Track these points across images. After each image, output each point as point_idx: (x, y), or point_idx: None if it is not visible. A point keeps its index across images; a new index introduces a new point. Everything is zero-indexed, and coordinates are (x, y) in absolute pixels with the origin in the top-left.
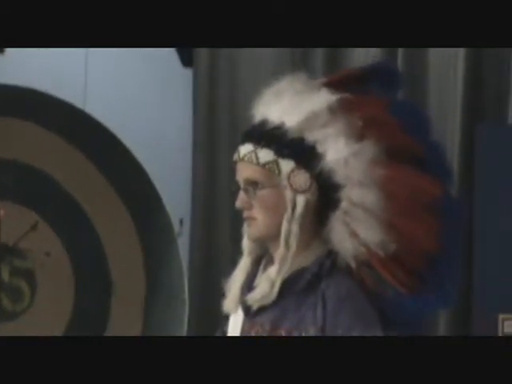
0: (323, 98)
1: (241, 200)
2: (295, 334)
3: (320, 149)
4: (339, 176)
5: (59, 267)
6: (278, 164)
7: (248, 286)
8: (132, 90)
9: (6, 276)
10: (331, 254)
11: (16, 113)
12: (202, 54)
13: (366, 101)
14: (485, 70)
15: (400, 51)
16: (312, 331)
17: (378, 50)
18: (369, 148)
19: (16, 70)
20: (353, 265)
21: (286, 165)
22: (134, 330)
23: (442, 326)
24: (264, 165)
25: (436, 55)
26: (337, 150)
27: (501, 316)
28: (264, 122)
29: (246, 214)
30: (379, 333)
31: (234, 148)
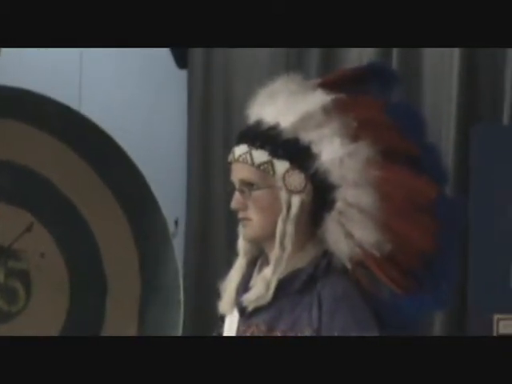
0: (318, 99)
1: (236, 201)
2: (291, 334)
3: (315, 149)
4: (334, 176)
5: (54, 268)
6: (272, 165)
7: (243, 286)
8: (127, 92)
9: (1, 277)
10: (326, 255)
11: (11, 114)
12: (197, 55)
13: (362, 101)
14: (480, 71)
15: (395, 52)
16: (307, 332)
17: (373, 51)
18: (364, 148)
19: (11, 71)
20: (348, 265)
21: (281, 165)
22: (129, 330)
23: (437, 326)
24: (259, 165)
25: (431, 56)
26: (332, 151)
27: (496, 316)
28: (259, 123)
29: (241, 214)
30: (375, 333)
31: (228, 149)
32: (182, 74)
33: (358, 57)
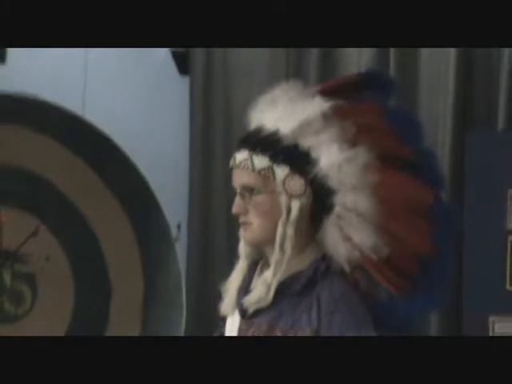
0: (317, 106)
1: (237, 205)
2: (290, 335)
3: (314, 154)
4: (333, 181)
5: (59, 271)
6: (273, 170)
7: (245, 289)
8: (130, 99)
9: (7, 280)
10: (325, 258)
11: (16, 120)
12: (198, 61)
13: (360, 108)
14: (475, 78)
15: (392, 59)
16: (307, 333)
17: (370, 58)
18: (362, 154)
19: (17, 77)
20: (347, 268)
21: (281, 170)
22: (133, 331)
23: (433, 327)
24: (259, 171)
25: (427, 63)
26: (330, 156)
27: (491, 318)
28: (259, 129)
29: (242, 219)
30: (372, 332)
31: (229, 155)
32: (185, 81)
33: (357, 60)
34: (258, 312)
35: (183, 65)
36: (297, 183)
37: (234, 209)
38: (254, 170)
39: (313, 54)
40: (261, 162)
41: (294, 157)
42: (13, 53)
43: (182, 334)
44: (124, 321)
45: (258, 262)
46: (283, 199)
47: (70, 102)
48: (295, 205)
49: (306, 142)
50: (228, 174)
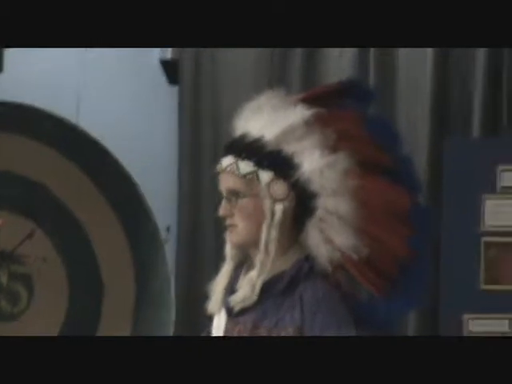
0: (299, 113)
1: (223, 208)
2: (274, 333)
3: (297, 160)
4: (315, 185)
5: (54, 272)
6: (257, 174)
7: (230, 288)
8: (121, 102)
9: (4, 280)
10: (308, 259)
11: (13, 128)
12: (187, 70)
13: (340, 115)
14: (451, 88)
15: (371, 67)
16: (290, 331)
17: (351, 59)
18: (342, 159)
19: (14, 86)
20: (328, 268)
21: (266, 175)
22: (124, 330)
23: (411, 325)
24: (244, 175)
25: (404, 66)
26: (312, 161)
27: (466, 316)
28: (244, 136)
29: (228, 221)
30: (353, 331)
31: (217, 159)
32: (174, 90)
33: (338, 61)
34: (243, 311)
35: (172, 74)
36: (281, 187)
37: (221, 212)
38: (239, 174)
39: (296, 55)
40: (246, 166)
41: (278, 162)
42: (9, 58)
43: (172, 332)
44: (116, 321)
45: (243, 263)
46: (267, 203)
47: (64, 109)
48: (279, 208)
49: (289, 148)
50: (215, 178)
